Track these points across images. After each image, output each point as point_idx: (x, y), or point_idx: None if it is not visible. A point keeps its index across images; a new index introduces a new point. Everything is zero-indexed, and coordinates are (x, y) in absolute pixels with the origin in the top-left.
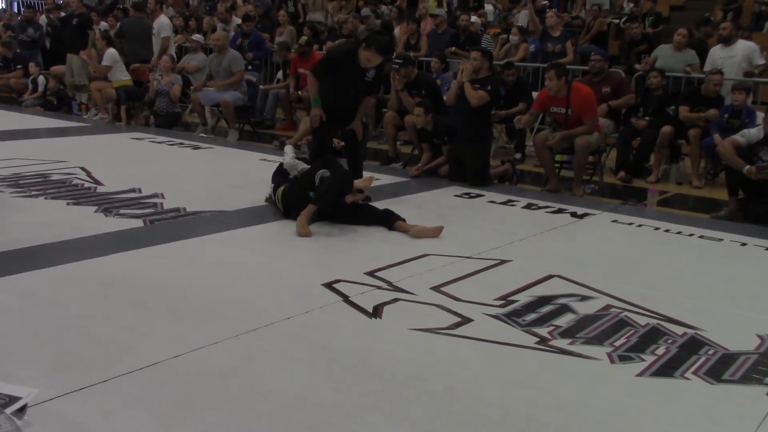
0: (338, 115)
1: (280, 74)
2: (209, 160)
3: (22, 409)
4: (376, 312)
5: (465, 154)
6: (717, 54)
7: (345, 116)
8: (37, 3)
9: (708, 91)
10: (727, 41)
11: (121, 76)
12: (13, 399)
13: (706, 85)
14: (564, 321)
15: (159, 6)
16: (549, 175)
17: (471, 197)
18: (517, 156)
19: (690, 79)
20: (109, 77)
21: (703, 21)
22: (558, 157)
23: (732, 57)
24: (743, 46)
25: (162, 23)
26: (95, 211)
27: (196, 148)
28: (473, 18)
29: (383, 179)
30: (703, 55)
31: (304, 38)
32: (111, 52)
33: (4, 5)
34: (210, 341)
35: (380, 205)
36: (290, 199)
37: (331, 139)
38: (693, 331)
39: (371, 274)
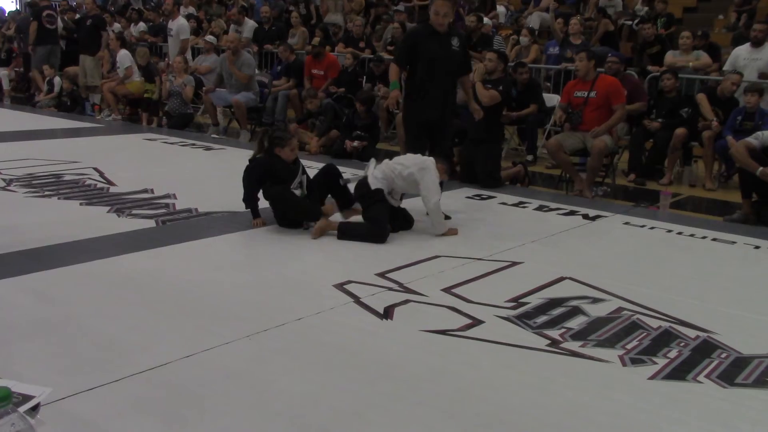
0: (438, 96)
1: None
2: (221, 160)
3: (35, 408)
4: (387, 313)
5: (476, 155)
6: (742, 54)
7: (446, 96)
8: (53, 5)
9: (724, 90)
10: (758, 43)
11: (135, 78)
12: (26, 398)
13: (723, 83)
14: (576, 323)
15: (176, 7)
16: (572, 177)
17: (482, 199)
18: (529, 158)
19: (704, 80)
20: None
21: None
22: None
23: (757, 60)
24: None
25: (181, 25)
26: (108, 212)
27: (208, 148)
28: (485, 19)
29: None
30: (716, 56)
31: (316, 39)
32: (124, 54)
33: (19, 6)
34: (221, 342)
35: None
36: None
37: (423, 131)
38: (706, 334)
39: (382, 275)
